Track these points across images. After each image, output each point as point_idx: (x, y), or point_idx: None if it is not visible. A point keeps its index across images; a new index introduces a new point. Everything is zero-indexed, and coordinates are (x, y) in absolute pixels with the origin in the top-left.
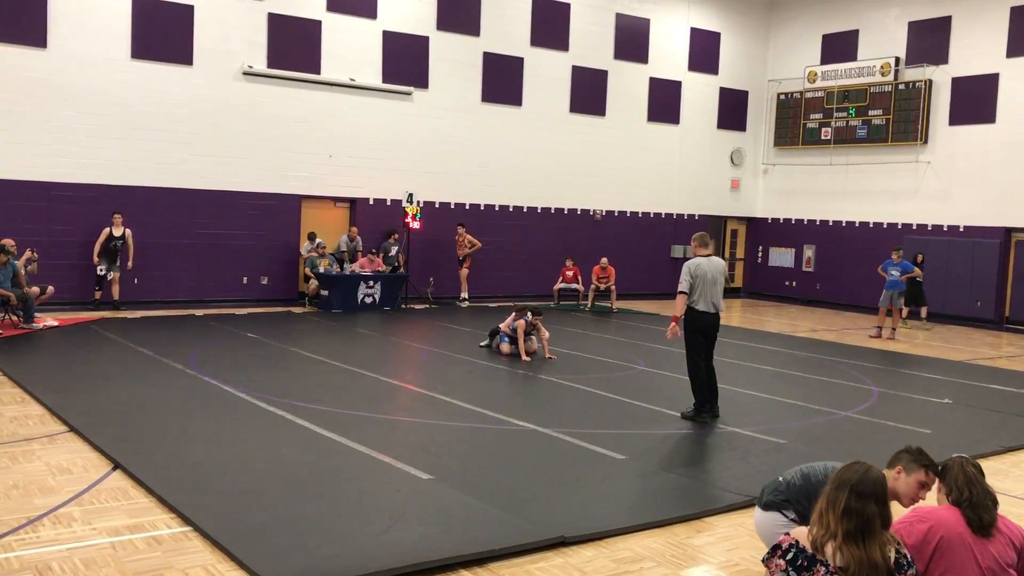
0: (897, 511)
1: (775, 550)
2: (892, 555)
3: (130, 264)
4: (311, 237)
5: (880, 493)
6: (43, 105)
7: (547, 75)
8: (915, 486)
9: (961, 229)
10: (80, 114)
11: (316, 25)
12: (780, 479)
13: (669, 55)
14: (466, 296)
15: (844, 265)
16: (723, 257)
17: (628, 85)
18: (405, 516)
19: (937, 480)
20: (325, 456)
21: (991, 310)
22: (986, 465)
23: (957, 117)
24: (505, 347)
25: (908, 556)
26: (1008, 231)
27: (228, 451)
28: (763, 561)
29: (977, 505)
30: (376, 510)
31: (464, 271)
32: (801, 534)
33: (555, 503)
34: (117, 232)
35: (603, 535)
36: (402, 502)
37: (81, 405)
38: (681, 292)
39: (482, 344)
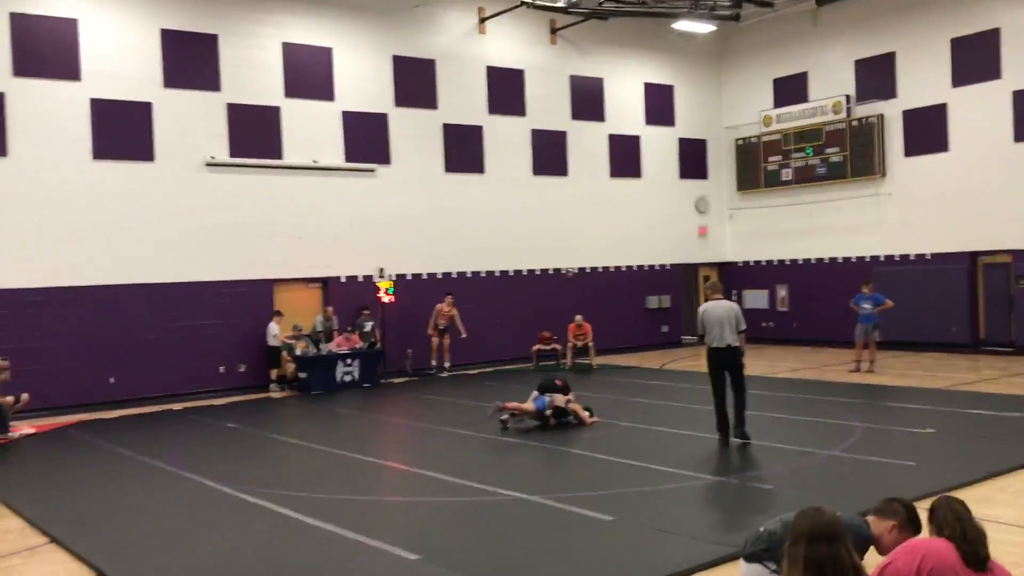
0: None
1: None
2: None
3: None
4: (278, 315)
5: (834, 532)
6: (7, 213)
7: (507, 140)
8: (900, 541)
9: (928, 257)
10: (45, 218)
11: (275, 111)
12: (762, 529)
13: (625, 111)
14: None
15: (818, 302)
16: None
17: (588, 143)
18: None
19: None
20: (312, 545)
21: (966, 334)
22: (972, 493)
23: (912, 148)
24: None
25: None
26: (973, 255)
27: (214, 550)
28: None
29: (973, 540)
30: None
31: (447, 340)
32: None
33: (544, 573)
34: None
35: None
36: None
37: (62, 514)
38: (700, 335)
39: (503, 418)
